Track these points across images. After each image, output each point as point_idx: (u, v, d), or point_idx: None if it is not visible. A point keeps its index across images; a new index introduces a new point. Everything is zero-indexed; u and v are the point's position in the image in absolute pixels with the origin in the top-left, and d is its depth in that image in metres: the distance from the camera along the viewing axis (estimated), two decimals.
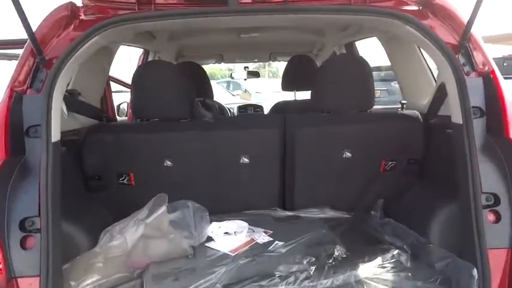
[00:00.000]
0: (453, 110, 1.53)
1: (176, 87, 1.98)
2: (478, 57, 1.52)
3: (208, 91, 3.02)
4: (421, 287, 1.45)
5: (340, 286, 1.49)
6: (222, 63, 5.35)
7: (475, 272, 1.34)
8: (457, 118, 1.48)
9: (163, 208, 1.49)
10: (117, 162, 2.01)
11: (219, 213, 2.02)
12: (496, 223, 1.38)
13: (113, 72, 2.74)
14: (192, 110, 2.00)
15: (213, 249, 1.75)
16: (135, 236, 1.44)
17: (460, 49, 1.51)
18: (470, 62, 1.52)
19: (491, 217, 1.39)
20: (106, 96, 2.76)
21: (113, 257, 1.44)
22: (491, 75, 1.49)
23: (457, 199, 1.66)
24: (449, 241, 1.63)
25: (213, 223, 1.89)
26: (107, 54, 2.32)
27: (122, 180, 2.01)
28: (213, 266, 1.57)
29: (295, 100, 3.23)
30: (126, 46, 2.74)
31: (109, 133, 2.01)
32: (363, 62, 1.98)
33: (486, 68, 1.51)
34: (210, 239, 1.82)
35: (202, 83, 2.97)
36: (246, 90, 13.62)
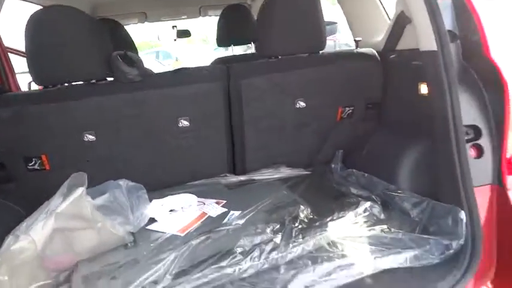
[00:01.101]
0: (422, 37, 1.33)
1: (86, 37, 1.56)
2: None
3: (132, 50, 2.57)
4: (403, 239, 1.28)
5: (313, 251, 1.30)
6: (148, 29, 4.73)
7: (462, 214, 1.20)
8: (429, 45, 1.28)
9: (81, 190, 1.14)
10: (23, 144, 1.59)
11: (159, 188, 1.74)
12: (478, 158, 1.23)
13: None
14: (110, 67, 1.60)
15: (158, 231, 1.46)
16: (44, 232, 1.08)
17: None
18: None
19: (472, 152, 1.24)
20: (2, 63, 2.21)
21: (20, 263, 1.07)
22: None
23: (424, 139, 1.52)
24: (420, 185, 1.51)
25: (154, 201, 1.58)
26: None
27: (32, 165, 1.62)
28: (159, 252, 1.29)
29: (236, 55, 2.90)
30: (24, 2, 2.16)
31: (4, 107, 1.56)
32: None
33: None
34: (152, 220, 1.52)
35: (124, 41, 2.52)
36: (177, 58, 12.96)
